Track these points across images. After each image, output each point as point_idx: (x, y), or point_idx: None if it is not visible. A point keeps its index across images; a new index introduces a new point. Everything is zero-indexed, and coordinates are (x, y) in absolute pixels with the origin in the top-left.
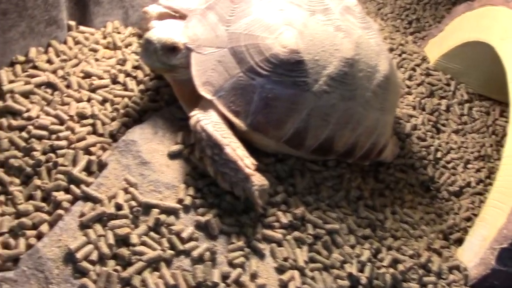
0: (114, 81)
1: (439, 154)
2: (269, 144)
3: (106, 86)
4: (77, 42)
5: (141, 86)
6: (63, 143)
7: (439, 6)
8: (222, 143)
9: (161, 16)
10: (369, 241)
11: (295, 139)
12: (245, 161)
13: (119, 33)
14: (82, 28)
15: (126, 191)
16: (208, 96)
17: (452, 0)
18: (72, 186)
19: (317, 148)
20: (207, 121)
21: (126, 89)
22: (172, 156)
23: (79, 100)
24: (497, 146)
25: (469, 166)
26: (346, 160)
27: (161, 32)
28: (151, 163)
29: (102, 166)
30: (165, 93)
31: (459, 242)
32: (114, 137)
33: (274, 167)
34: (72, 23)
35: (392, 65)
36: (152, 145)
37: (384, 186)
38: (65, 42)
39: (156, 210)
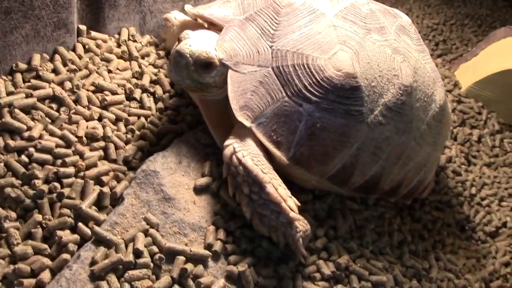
0: (129, 97)
1: (473, 190)
2: (309, 179)
3: (120, 103)
4: (87, 50)
5: (160, 104)
6: (70, 170)
7: (465, 28)
8: (263, 181)
9: (185, 25)
10: None
11: (340, 176)
12: (289, 202)
13: (135, 41)
14: (94, 34)
15: (146, 233)
16: (246, 123)
17: (478, 22)
18: (81, 225)
19: (362, 185)
20: (245, 152)
21: (142, 107)
22: (199, 190)
23: (89, 119)
24: None
25: (504, 203)
26: (389, 198)
27: (195, 44)
28: (176, 199)
29: (116, 200)
30: (187, 114)
31: None
32: (129, 164)
33: (313, 205)
34: (83, 27)
35: (446, 94)
36: (176, 177)
37: (422, 226)
38: (73, 49)
39: (181, 258)
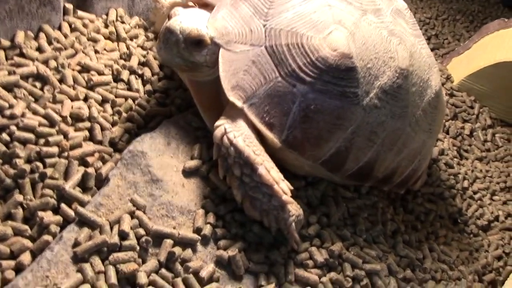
0: (117, 78)
1: (465, 183)
2: (302, 165)
3: (107, 84)
4: (74, 29)
5: (148, 87)
6: (54, 150)
7: (457, 23)
8: (255, 162)
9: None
10: (411, 285)
11: (333, 161)
12: (281, 185)
13: (123, 22)
14: (80, 13)
15: (132, 215)
16: (238, 103)
17: (469, 18)
18: (64, 206)
19: (355, 172)
20: (237, 133)
21: (130, 89)
22: (188, 173)
23: (74, 99)
24: None
25: (496, 197)
26: (383, 187)
27: (186, 21)
28: (164, 181)
29: (101, 181)
30: (177, 97)
31: (493, 284)
32: (115, 145)
33: (306, 192)
34: (69, 6)
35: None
36: (164, 158)
37: (415, 217)
38: (59, 28)
39: (169, 241)
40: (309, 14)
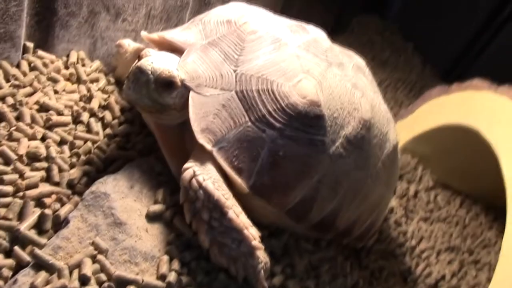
0: (76, 120)
1: (413, 242)
2: (267, 213)
3: (65, 125)
4: (33, 68)
5: (108, 130)
6: (8, 189)
7: (398, 91)
8: (225, 206)
9: (139, 52)
10: None
11: (299, 210)
12: (251, 230)
13: (83, 65)
14: (40, 52)
15: (93, 259)
16: (207, 146)
17: (408, 87)
18: (17, 249)
19: (319, 222)
20: (206, 176)
21: (89, 131)
22: (152, 218)
23: (31, 138)
24: (463, 237)
25: (441, 257)
26: (342, 240)
27: (158, 62)
28: (127, 225)
29: (58, 224)
30: (139, 142)
31: None
32: (73, 188)
33: (269, 242)
34: (30, 44)
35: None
36: (128, 201)
37: (369, 273)
38: (18, 66)
39: None
40: (278, 62)
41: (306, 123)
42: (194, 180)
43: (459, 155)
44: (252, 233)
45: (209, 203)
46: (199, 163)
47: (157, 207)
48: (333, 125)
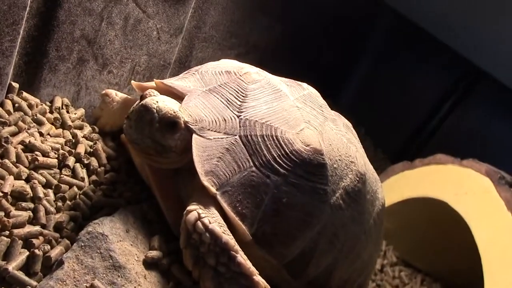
0: (62, 163)
1: None
2: (264, 266)
3: (51, 167)
4: (17, 109)
5: (94, 177)
6: None
7: None
8: (233, 249)
9: (127, 103)
10: None
11: (297, 262)
12: (258, 277)
13: (68, 112)
14: (25, 94)
15: None
16: (212, 189)
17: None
18: None
19: (314, 280)
20: (212, 219)
21: (75, 177)
22: (149, 264)
23: (16, 177)
24: None
25: None
26: None
27: (163, 101)
28: (126, 269)
29: (48, 267)
30: (126, 190)
31: None
32: (60, 232)
33: None
34: (15, 84)
35: None
36: (125, 245)
37: None
38: (1, 105)
39: None
40: (281, 111)
41: (310, 171)
42: (199, 223)
43: (422, 229)
44: (261, 280)
45: (216, 247)
46: (202, 205)
47: (155, 253)
48: (334, 175)
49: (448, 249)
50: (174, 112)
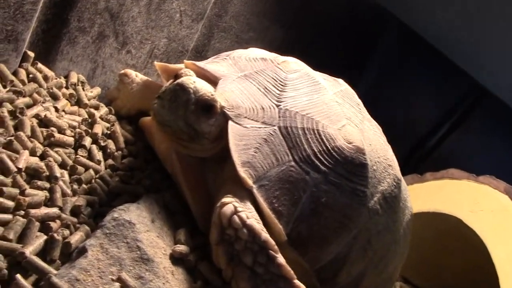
0: (78, 143)
1: None
2: (294, 271)
3: (67, 146)
4: (32, 80)
5: (110, 161)
6: (8, 203)
7: None
8: (274, 249)
9: (149, 85)
10: None
11: (329, 269)
12: (299, 282)
13: (84, 89)
14: (40, 65)
15: None
16: (249, 181)
17: None
18: (19, 278)
19: None
20: (250, 214)
21: (91, 159)
22: (176, 260)
23: (31, 152)
24: None
25: None
26: None
27: (200, 82)
28: (155, 263)
29: (66, 255)
30: (144, 178)
31: None
32: (77, 217)
33: None
34: (31, 54)
35: None
36: (152, 236)
37: None
38: (14, 73)
39: None
40: (321, 104)
41: (351, 171)
42: (236, 217)
43: (427, 245)
44: (302, 285)
45: (254, 245)
46: (238, 199)
47: (182, 248)
48: (373, 177)
49: (455, 267)
50: (212, 95)
